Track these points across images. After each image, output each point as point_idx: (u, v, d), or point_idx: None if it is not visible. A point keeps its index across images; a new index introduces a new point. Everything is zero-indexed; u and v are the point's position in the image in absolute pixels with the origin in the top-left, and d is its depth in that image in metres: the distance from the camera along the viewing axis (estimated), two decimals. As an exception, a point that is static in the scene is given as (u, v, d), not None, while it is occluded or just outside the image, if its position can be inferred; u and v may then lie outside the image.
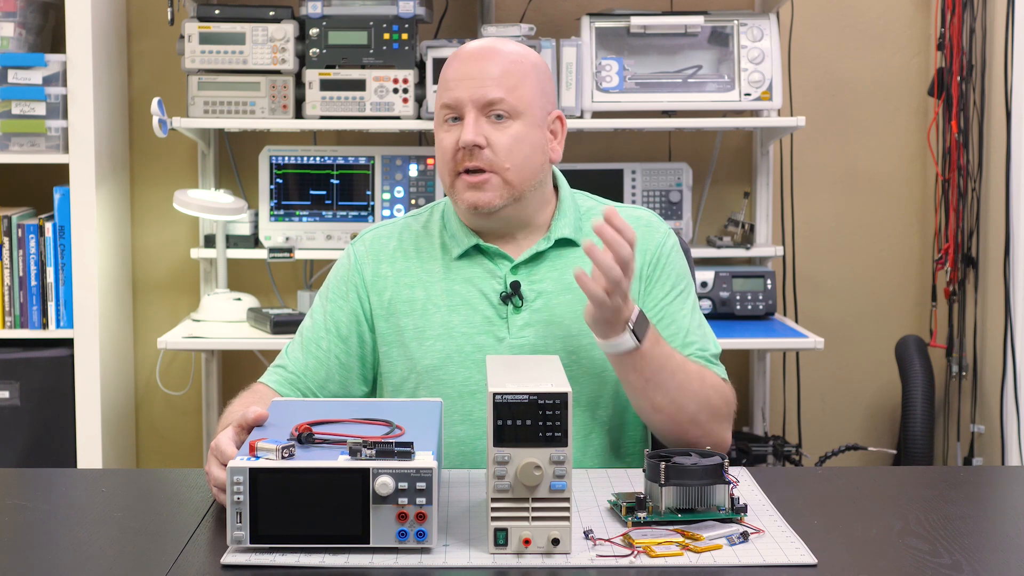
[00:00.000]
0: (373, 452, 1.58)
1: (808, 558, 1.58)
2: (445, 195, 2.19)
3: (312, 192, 3.70)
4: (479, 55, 2.08)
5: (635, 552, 1.59)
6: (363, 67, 3.57)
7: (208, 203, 3.56)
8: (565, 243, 2.14)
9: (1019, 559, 1.63)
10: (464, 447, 2.07)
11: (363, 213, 3.69)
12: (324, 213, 3.69)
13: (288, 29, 3.55)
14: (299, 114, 3.60)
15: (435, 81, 3.51)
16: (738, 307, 3.60)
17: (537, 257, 2.12)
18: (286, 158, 3.70)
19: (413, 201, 3.69)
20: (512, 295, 2.09)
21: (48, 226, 3.51)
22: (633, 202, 3.71)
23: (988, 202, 3.72)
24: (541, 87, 2.09)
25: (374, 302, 2.13)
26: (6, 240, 3.51)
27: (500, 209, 2.07)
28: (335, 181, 3.70)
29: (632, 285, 2.11)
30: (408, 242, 2.17)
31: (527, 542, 1.57)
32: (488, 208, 2.06)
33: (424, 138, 3.87)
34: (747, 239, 3.78)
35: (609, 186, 3.71)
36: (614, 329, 1.91)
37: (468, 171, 2.05)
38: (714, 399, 2.04)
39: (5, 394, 3.47)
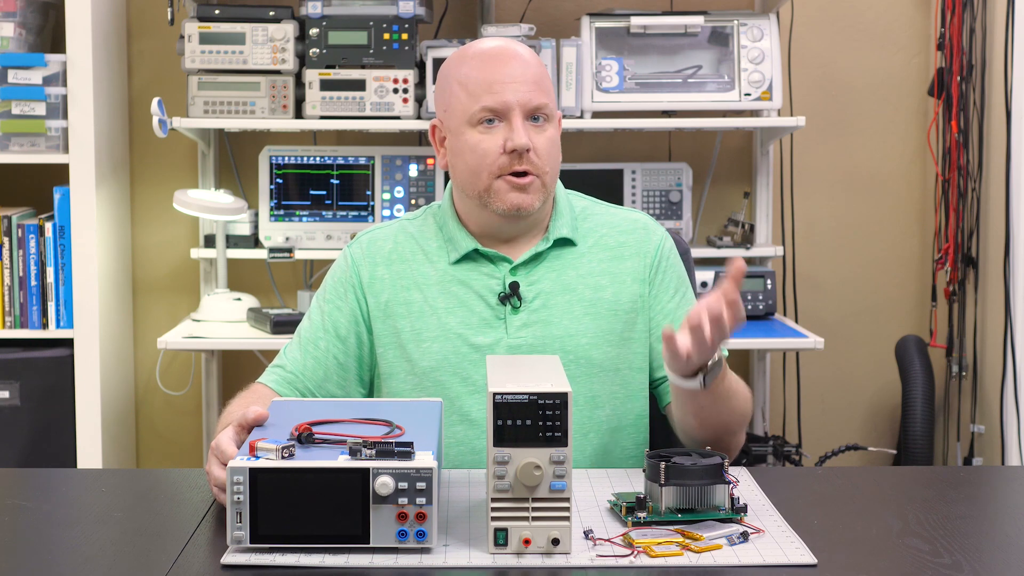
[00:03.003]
0: (373, 452, 1.58)
1: (808, 558, 1.58)
2: (443, 196, 2.19)
3: (312, 192, 3.70)
4: (512, 56, 2.07)
5: (635, 552, 1.59)
6: (363, 67, 3.57)
7: (208, 203, 3.55)
8: (563, 243, 2.14)
9: (1019, 559, 1.63)
10: (462, 447, 2.07)
11: (363, 213, 3.69)
12: (324, 213, 3.69)
13: (288, 29, 3.55)
14: (299, 114, 3.60)
15: (435, 81, 3.50)
16: (738, 307, 3.59)
17: (536, 258, 2.12)
18: (286, 158, 3.70)
19: (413, 201, 3.69)
20: (510, 296, 2.09)
21: (48, 226, 3.50)
22: (633, 202, 3.70)
23: (988, 202, 3.72)
24: (554, 89, 2.12)
25: (371, 304, 2.13)
26: (6, 240, 3.51)
27: (536, 211, 2.08)
28: (335, 181, 3.70)
29: (637, 288, 2.12)
30: (404, 244, 2.16)
31: (527, 542, 1.57)
32: (530, 210, 2.06)
33: (424, 138, 3.86)
34: (747, 239, 3.78)
35: (609, 186, 3.71)
36: (688, 371, 1.88)
37: (514, 174, 2.05)
38: (748, 412, 2.06)
39: (5, 394, 3.47)
